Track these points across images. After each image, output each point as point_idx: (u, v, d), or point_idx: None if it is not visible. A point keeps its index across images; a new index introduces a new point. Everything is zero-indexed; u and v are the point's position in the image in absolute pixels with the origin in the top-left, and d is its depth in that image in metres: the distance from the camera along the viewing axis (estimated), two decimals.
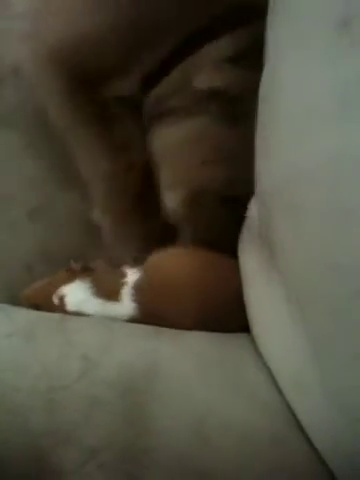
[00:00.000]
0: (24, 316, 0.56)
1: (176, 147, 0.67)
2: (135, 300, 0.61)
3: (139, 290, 0.62)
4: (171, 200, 0.68)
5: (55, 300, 0.62)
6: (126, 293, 0.61)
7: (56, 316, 0.57)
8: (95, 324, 0.56)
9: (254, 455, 0.45)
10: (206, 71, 0.63)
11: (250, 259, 0.61)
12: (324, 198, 0.40)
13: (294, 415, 0.47)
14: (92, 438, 0.43)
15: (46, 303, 0.62)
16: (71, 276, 0.63)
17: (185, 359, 0.51)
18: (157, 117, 0.68)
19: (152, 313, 0.61)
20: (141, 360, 0.50)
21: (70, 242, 0.71)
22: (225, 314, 0.61)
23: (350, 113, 0.38)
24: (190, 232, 0.68)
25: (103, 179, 0.69)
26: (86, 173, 0.70)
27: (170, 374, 0.49)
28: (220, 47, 0.63)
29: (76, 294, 0.62)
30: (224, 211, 0.64)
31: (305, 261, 0.44)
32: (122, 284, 0.62)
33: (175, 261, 0.65)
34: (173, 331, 0.56)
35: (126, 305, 0.61)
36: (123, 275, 0.64)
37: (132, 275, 0.63)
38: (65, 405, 0.45)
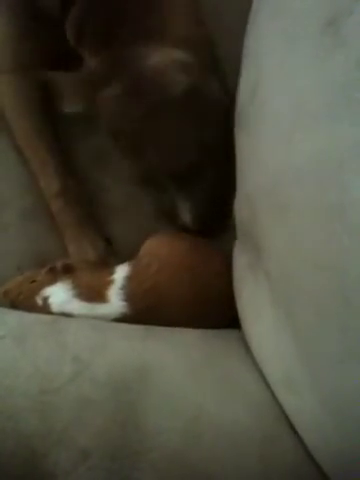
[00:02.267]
0: (16, 318, 0.56)
1: None
2: (125, 299, 0.60)
3: (130, 285, 0.61)
4: None
5: (39, 301, 0.62)
6: (114, 293, 0.61)
7: (48, 318, 0.57)
8: (87, 326, 0.56)
9: (246, 455, 0.45)
10: None
11: (240, 258, 0.61)
12: (311, 198, 0.41)
13: (285, 415, 0.47)
14: (85, 439, 0.43)
15: (29, 303, 0.62)
16: (53, 276, 0.63)
17: (177, 359, 0.52)
18: None
19: (145, 308, 0.60)
20: (133, 361, 0.50)
21: (61, 244, 0.70)
22: (218, 309, 0.62)
23: (336, 113, 0.38)
24: None
25: (55, 197, 0.70)
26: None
27: (162, 374, 0.49)
28: None
29: (58, 296, 0.61)
30: None
31: (292, 261, 0.44)
32: (108, 283, 0.62)
33: (171, 251, 0.64)
34: (164, 331, 0.57)
35: (114, 305, 0.60)
36: (109, 272, 0.63)
37: (120, 272, 0.63)
38: (57, 406, 0.45)
